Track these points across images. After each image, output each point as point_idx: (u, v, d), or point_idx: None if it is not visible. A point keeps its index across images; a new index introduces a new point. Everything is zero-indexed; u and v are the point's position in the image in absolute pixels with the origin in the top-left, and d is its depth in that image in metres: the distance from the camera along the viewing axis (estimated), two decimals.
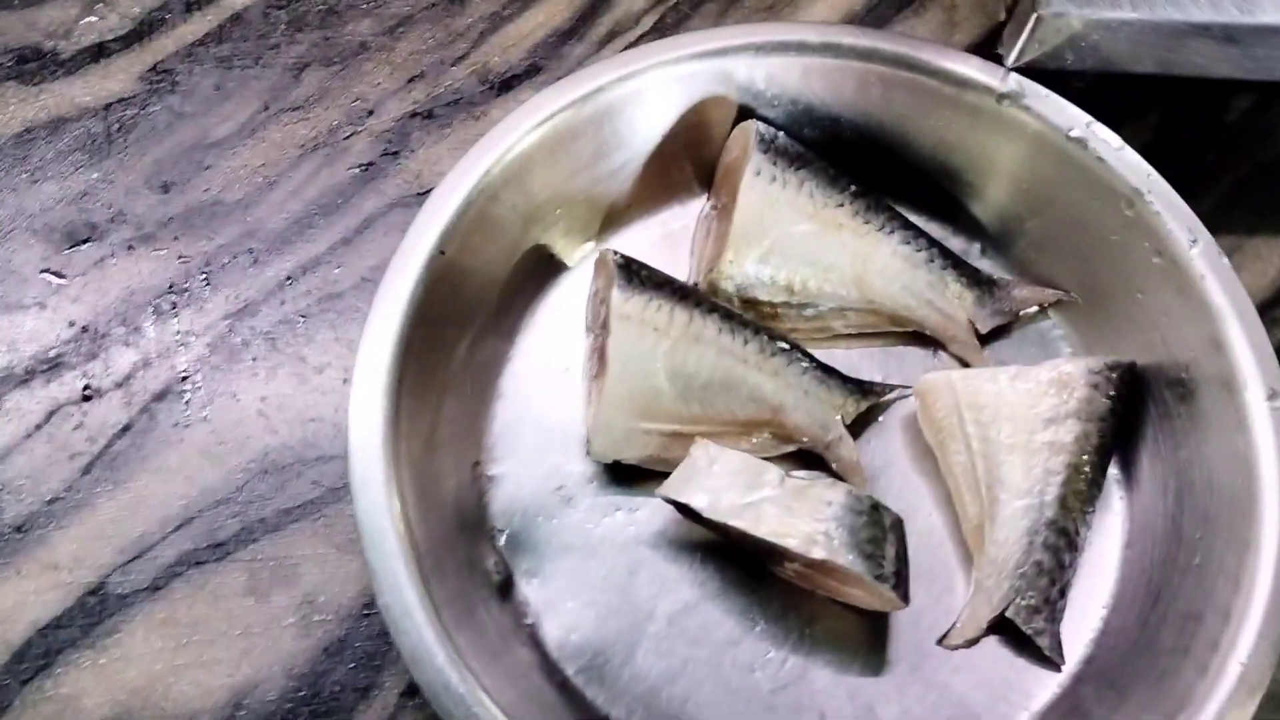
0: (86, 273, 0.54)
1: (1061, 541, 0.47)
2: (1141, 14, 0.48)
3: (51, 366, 0.52)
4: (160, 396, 0.52)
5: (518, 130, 0.50)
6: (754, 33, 0.52)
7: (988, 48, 0.59)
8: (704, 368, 0.49)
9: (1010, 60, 0.50)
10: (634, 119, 0.52)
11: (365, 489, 0.43)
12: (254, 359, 0.53)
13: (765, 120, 0.53)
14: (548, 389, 0.52)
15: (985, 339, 0.53)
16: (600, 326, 0.51)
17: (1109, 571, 0.49)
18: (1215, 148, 0.58)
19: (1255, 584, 0.43)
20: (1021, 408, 0.49)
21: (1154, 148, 0.57)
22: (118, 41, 0.59)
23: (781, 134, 0.52)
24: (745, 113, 0.53)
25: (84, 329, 0.53)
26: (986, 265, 0.55)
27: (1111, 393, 0.49)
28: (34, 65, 0.58)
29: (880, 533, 0.45)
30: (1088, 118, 0.50)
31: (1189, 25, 0.48)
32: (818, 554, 0.44)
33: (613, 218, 0.55)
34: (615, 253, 0.50)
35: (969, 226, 0.55)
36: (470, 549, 0.48)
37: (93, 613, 0.48)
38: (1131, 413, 0.50)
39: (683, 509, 0.47)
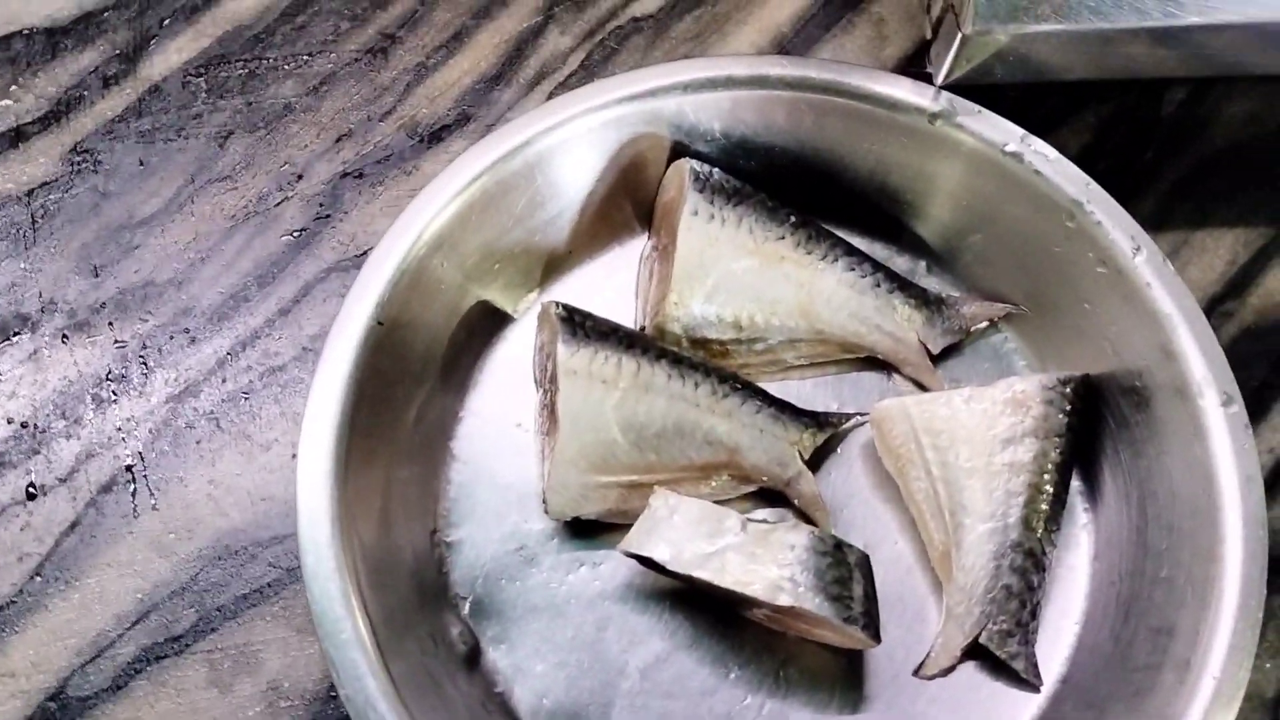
0: (21, 366, 0.53)
1: (1029, 563, 0.47)
2: (1067, 24, 0.47)
3: None
4: (106, 488, 0.51)
5: (448, 190, 0.49)
6: (680, 70, 0.51)
7: (920, 60, 0.59)
8: (656, 416, 0.48)
9: (940, 79, 0.50)
10: (566, 167, 0.51)
11: (317, 578, 0.42)
12: (199, 441, 0.52)
13: (699, 156, 0.52)
14: (501, 447, 0.51)
15: (938, 358, 0.53)
16: (549, 381, 0.50)
17: (1079, 587, 0.49)
18: (1155, 144, 0.58)
19: (1222, 595, 0.43)
20: (978, 430, 0.48)
21: (1094, 148, 0.58)
22: (35, 124, 0.58)
23: (716, 170, 0.52)
24: (679, 150, 0.53)
25: (23, 425, 0.52)
26: (934, 283, 0.54)
27: (1067, 407, 0.48)
28: None
29: (846, 572, 0.45)
30: (1022, 131, 0.50)
31: (1115, 31, 0.47)
32: (784, 601, 0.43)
33: (554, 265, 0.54)
34: (558, 305, 0.49)
35: (913, 246, 0.55)
36: (433, 621, 0.47)
37: (54, 719, 0.47)
38: (1089, 425, 0.50)
39: (646, 562, 0.46)
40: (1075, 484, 0.50)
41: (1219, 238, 0.56)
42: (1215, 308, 0.55)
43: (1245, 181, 0.58)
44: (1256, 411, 0.53)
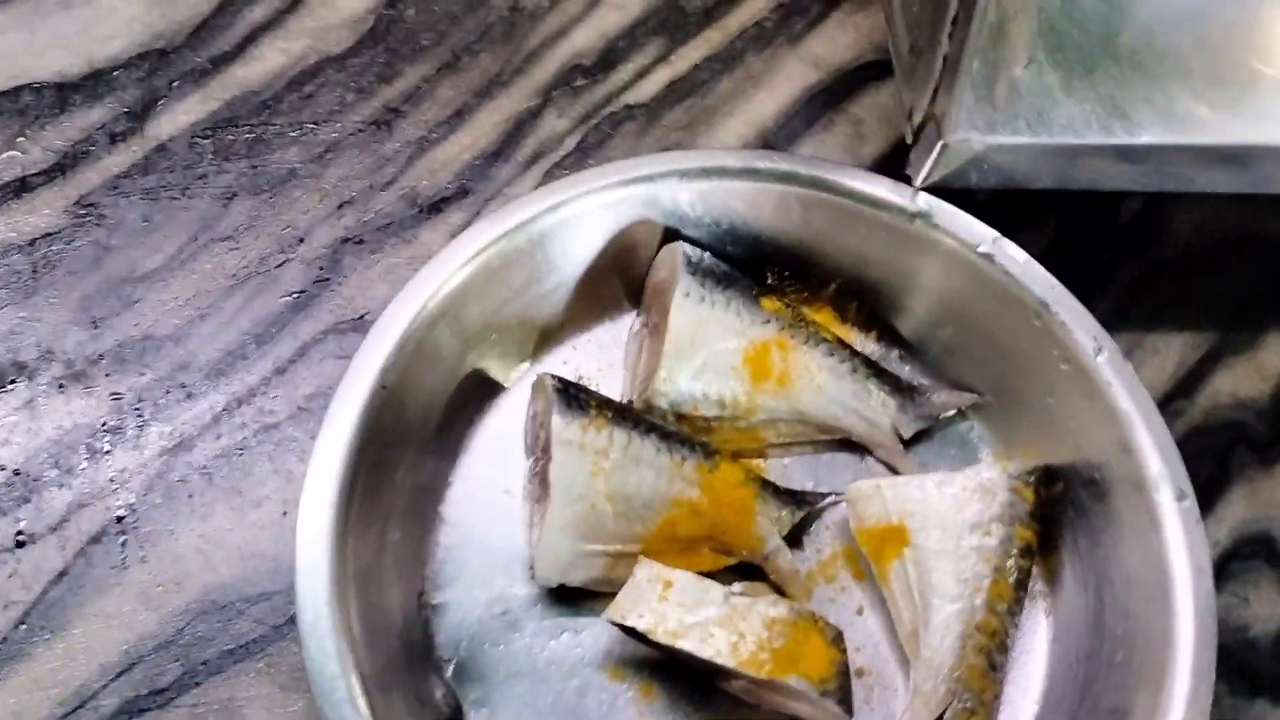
0: (16, 414, 0.53)
1: (993, 644, 0.49)
2: (1040, 138, 0.51)
3: None
4: (96, 539, 0.51)
5: (452, 263, 0.51)
6: (677, 160, 0.54)
7: (894, 159, 0.62)
8: (644, 488, 0.50)
9: (919, 181, 0.53)
10: (564, 245, 0.54)
11: (314, 635, 0.43)
12: (190, 495, 0.53)
13: (691, 241, 0.55)
14: (489, 512, 0.53)
15: (909, 443, 0.56)
16: (541, 450, 0.52)
17: (1039, 668, 0.51)
18: (1111, 247, 0.62)
19: (1175, 680, 0.45)
20: (948, 514, 0.51)
21: (1054, 249, 0.61)
22: (40, 176, 0.59)
23: (707, 255, 0.54)
24: (671, 234, 0.55)
25: (15, 472, 0.52)
26: (906, 372, 0.57)
27: (1031, 496, 0.51)
28: None
29: None
30: (995, 234, 0.53)
31: (1083, 146, 0.51)
32: (763, 674, 0.45)
33: (547, 337, 0.56)
34: (553, 377, 0.51)
35: (888, 334, 0.57)
36: (418, 682, 0.48)
37: None
38: (1051, 513, 0.53)
39: (629, 631, 0.48)
40: (1036, 569, 0.52)
41: (1170, 340, 0.60)
42: (1166, 406, 0.58)
43: (1195, 286, 0.61)
44: (1204, 505, 0.56)
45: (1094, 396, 0.51)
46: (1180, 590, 0.47)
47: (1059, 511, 0.53)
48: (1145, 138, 0.51)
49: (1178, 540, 0.48)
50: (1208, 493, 0.57)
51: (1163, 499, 0.48)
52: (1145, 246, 0.62)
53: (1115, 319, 0.60)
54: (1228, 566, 0.55)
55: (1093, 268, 0.61)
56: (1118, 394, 0.50)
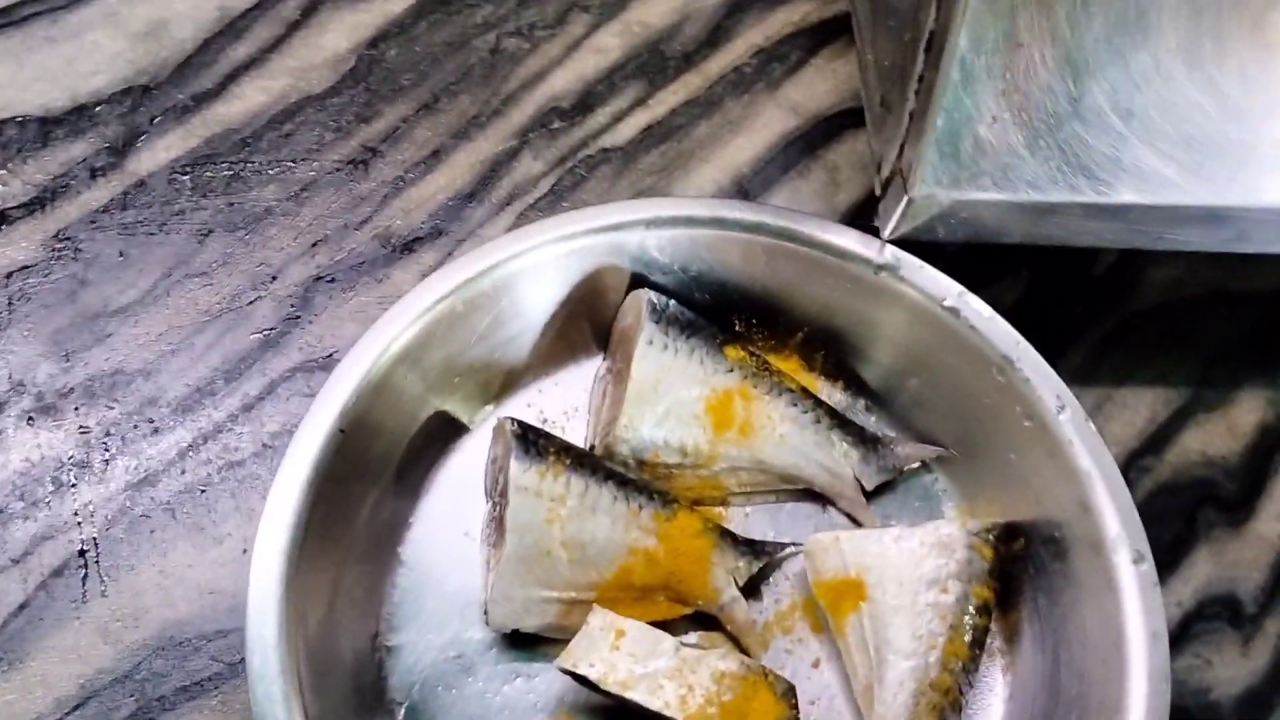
0: None
1: (946, 701, 0.49)
2: (1005, 194, 0.51)
3: None
4: (58, 572, 0.52)
5: (418, 306, 0.51)
6: (644, 208, 0.54)
7: (869, 207, 0.63)
8: (600, 535, 0.50)
9: (886, 234, 0.53)
10: (531, 290, 0.54)
11: (262, 680, 0.44)
12: (153, 531, 0.53)
13: (657, 287, 0.55)
14: (448, 555, 0.53)
15: (872, 494, 0.55)
16: (499, 494, 0.52)
17: None
18: (1084, 301, 0.62)
19: None
20: (906, 569, 0.51)
21: (1026, 302, 0.61)
22: (20, 209, 0.60)
23: (673, 302, 0.54)
24: (638, 280, 0.55)
25: None
26: (871, 422, 0.57)
27: (989, 554, 0.51)
28: None
29: None
30: (960, 288, 0.53)
31: (1049, 204, 0.51)
32: None
33: (511, 380, 0.56)
34: (513, 421, 0.51)
35: (853, 385, 0.57)
36: None
37: None
38: (1010, 571, 0.52)
39: (581, 679, 0.48)
40: (995, 625, 0.52)
41: (1140, 395, 0.60)
42: (1134, 462, 0.58)
43: (1167, 343, 0.61)
44: (1169, 564, 0.56)
45: (1055, 454, 0.51)
46: (1135, 654, 0.46)
47: (1019, 569, 0.53)
48: (1112, 197, 0.51)
49: (1134, 603, 0.47)
50: (1173, 551, 0.56)
51: (1120, 561, 0.48)
52: (1118, 300, 0.62)
53: (1086, 373, 0.60)
54: (1190, 627, 0.55)
55: (1065, 321, 0.61)
56: (1078, 453, 0.50)
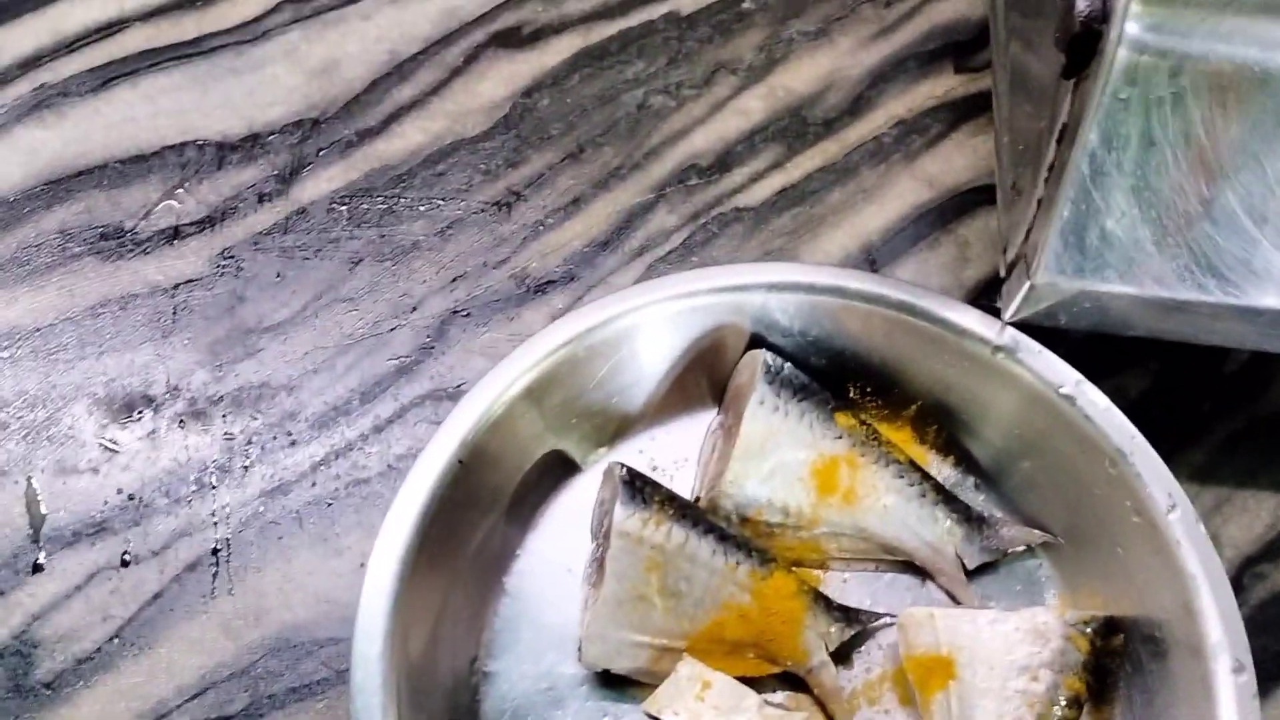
0: (139, 443, 0.59)
1: None
2: (1129, 288, 0.50)
3: (97, 531, 0.56)
4: (192, 567, 0.56)
5: (543, 348, 0.54)
6: (767, 272, 0.56)
7: (996, 285, 0.63)
8: (696, 587, 0.52)
9: (1006, 316, 0.53)
10: (652, 341, 0.56)
11: (363, 692, 0.46)
12: (281, 538, 0.57)
13: (774, 348, 0.56)
14: (550, 589, 0.55)
15: (973, 573, 0.56)
16: (603, 536, 0.54)
17: None
18: (1212, 398, 0.61)
19: None
20: (997, 653, 0.51)
21: (1151, 395, 0.61)
22: (192, 226, 0.65)
23: (788, 365, 0.56)
24: (756, 340, 0.57)
25: (130, 497, 0.57)
26: (978, 501, 0.57)
27: (1086, 646, 0.51)
28: (113, 243, 0.64)
29: None
30: (1078, 376, 0.53)
31: (1175, 301, 0.51)
32: None
33: (626, 426, 0.58)
34: (622, 466, 0.53)
35: (964, 461, 0.58)
36: None
37: None
38: (1109, 664, 0.52)
39: None
40: (1087, 719, 0.52)
41: (1262, 500, 0.58)
42: (1249, 568, 0.57)
43: None
44: (1277, 676, 0.54)
45: (1162, 553, 0.50)
46: None
47: (1117, 665, 0.52)
48: (1241, 299, 0.50)
49: (1229, 713, 0.46)
50: None
51: (1219, 669, 0.47)
52: (1248, 401, 0.61)
53: (1208, 472, 0.59)
54: None
55: (1191, 417, 0.60)
56: (1186, 554, 0.49)
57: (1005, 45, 0.63)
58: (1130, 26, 0.44)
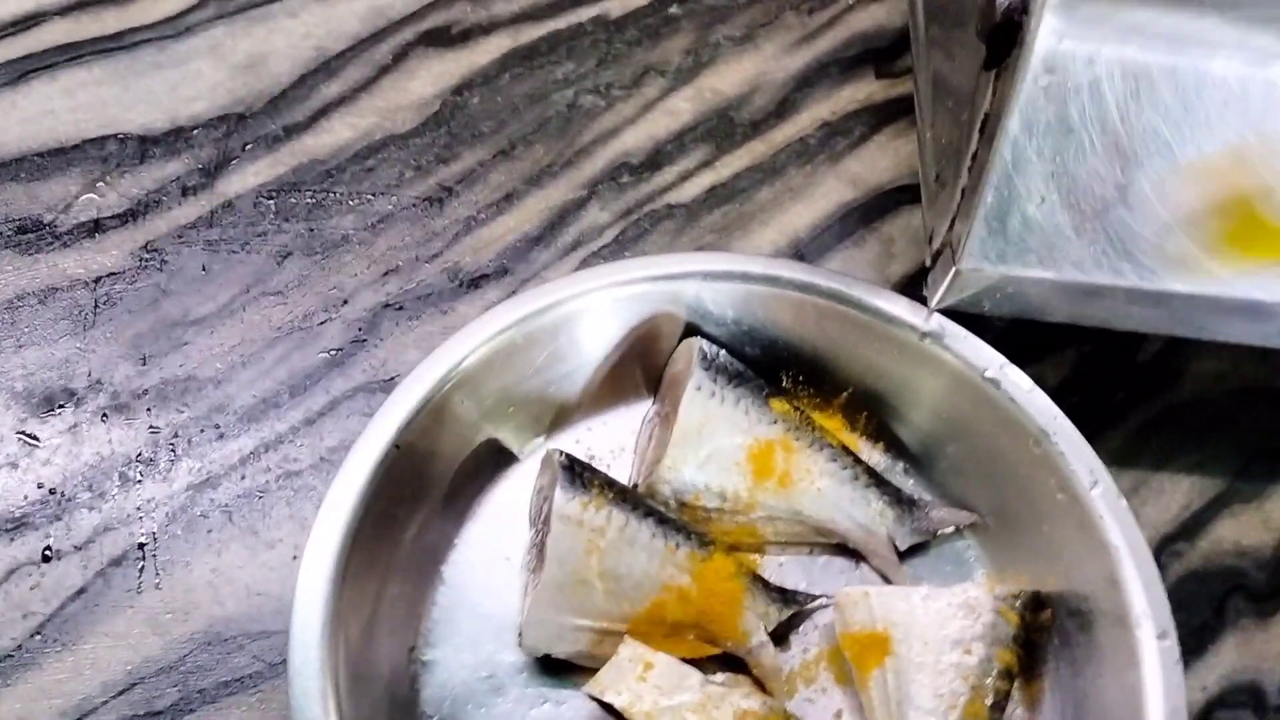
0: (60, 437, 0.57)
1: None
2: (1049, 273, 0.52)
3: (16, 526, 0.54)
4: (117, 562, 0.54)
5: (480, 335, 0.54)
6: (703, 261, 0.57)
7: (920, 280, 0.64)
8: (636, 569, 0.52)
9: (933, 303, 0.55)
10: (588, 330, 0.56)
11: (301, 676, 0.45)
12: (209, 530, 0.55)
13: (709, 337, 0.57)
14: (488, 577, 0.55)
15: (904, 555, 0.57)
16: (542, 521, 0.54)
17: None
18: (1127, 386, 0.63)
19: None
20: (931, 628, 0.52)
21: (1069, 383, 0.63)
22: (114, 219, 0.63)
23: (723, 352, 0.56)
24: (691, 329, 0.58)
25: (51, 491, 0.56)
26: (908, 484, 0.58)
27: (1015, 619, 0.52)
28: (32, 236, 0.62)
29: None
30: (1002, 359, 0.55)
31: (1093, 286, 0.53)
32: None
33: (563, 416, 0.58)
34: (561, 453, 0.53)
35: (893, 446, 0.59)
36: None
37: None
38: (1037, 639, 0.53)
39: (607, 707, 0.49)
40: (1017, 693, 0.53)
41: (1177, 482, 0.61)
42: (1166, 546, 0.59)
43: (1207, 433, 0.62)
44: (1195, 649, 0.57)
45: (1086, 528, 0.52)
46: None
47: (1044, 639, 0.53)
48: (1155, 284, 0.53)
49: (1155, 678, 0.48)
50: (1199, 638, 0.57)
51: (1144, 636, 0.49)
52: (1161, 388, 0.63)
53: (1124, 456, 0.61)
54: (1213, 714, 0.55)
55: (1107, 404, 0.63)
56: (1109, 528, 0.51)
57: (926, 47, 0.66)
58: (1049, 17, 0.46)
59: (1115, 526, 0.51)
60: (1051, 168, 0.50)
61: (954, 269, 0.53)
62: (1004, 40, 0.49)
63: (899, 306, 0.56)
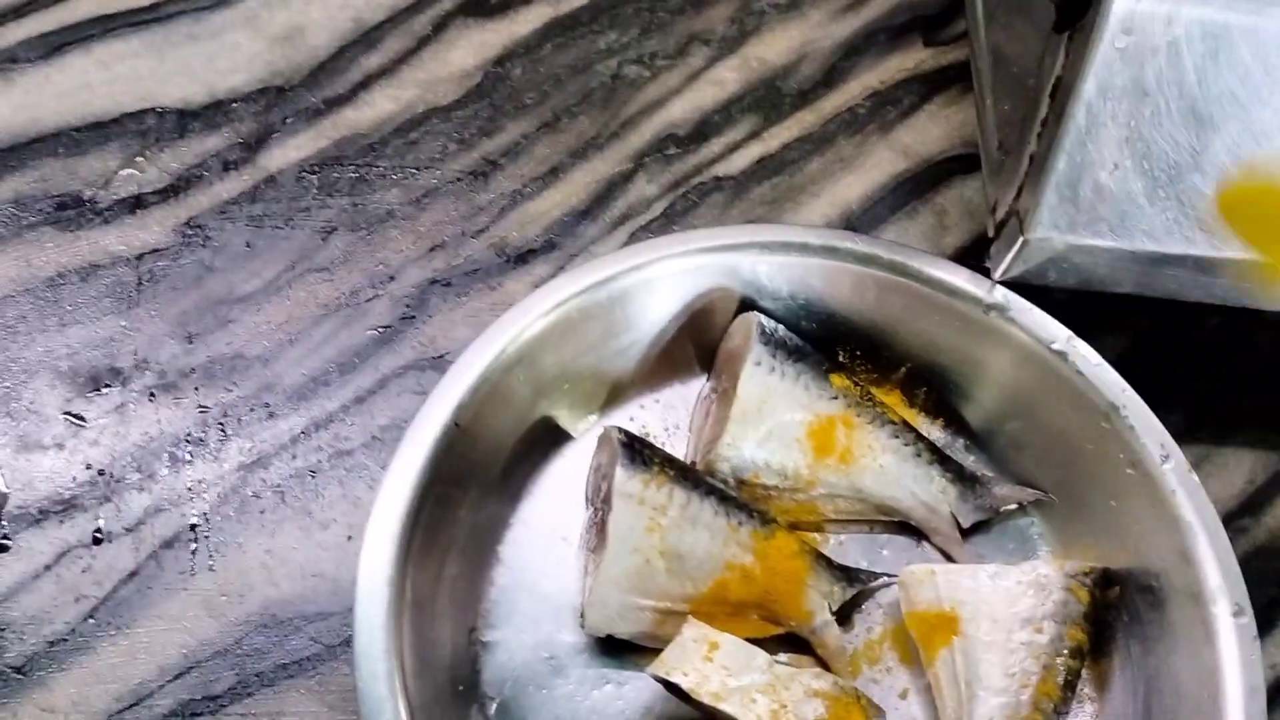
0: (107, 417, 0.56)
1: None
2: (1120, 242, 0.51)
3: (65, 508, 0.54)
4: (169, 544, 0.53)
5: (534, 311, 0.53)
6: (759, 233, 0.55)
7: (975, 252, 0.63)
8: (699, 548, 0.51)
9: (997, 274, 0.54)
10: (643, 305, 0.55)
11: (367, 657, 0.45)
12: (262, 511, 0.54)
13: (765, 312, 0.56)
14: (545, 558, 0.54)
15: (966, 533, 0.56)
16: (601, 501, 0.53)
17: None
18: (1188, 360, 0.62)
19: None
20: (1000, 606, 0.51)
21: (1130, 357, 0.61)
22: (155, 195, 0.62)
23: (781, 327, 0.55)
24: (747, 304, 0.57)
25: (100, 472, 0.55)
26: (970, 461, 0.57)
27: (1086, 597, 0.51)
28: (72, 213, 0.61)
29: None
30: (1069, 333, 0.54)
31: (1163, 255, 0.52)
32: None
33: (617, 392, 0.57)
34: (620, 430, 0.52)
35: (955, 423, 0.58)
36: (462, 716, 0.49)
37: None
38: (1106, 617, 0.52)
39: (671, 687, 0.48)
40: (1086, 672, 0.52)
41: (1240, 457, 0.60)
42: (1230, 523, 0.57)
43: (1270, 407, 0.61)
44: (1263, 626, 0.55)
45: (1157, 504, 0.51)
46: (1231, 707, 0.46)
47: (1113, 616, 0.52)
48: (1225, 252, 0.51)
49: (1231, 656, 0.47)
50: (1268, 615, 0.56)
51: (1219, 612, 0.48)
52: (1225, 361, 0.62)
53: (1186, 430, 0.59)
54: None
55: (1170, 376, 0.61)
56: (1181, 503, 0.50)
57: (983, 13, 0.64)
58: None
59: (1187, 501, 0.50)
60: (1125, 133, 0.49)
61: (1021, 238, 0.52)
62: (1078, 2, 0.47)
63: (962, 278, 0.55)
